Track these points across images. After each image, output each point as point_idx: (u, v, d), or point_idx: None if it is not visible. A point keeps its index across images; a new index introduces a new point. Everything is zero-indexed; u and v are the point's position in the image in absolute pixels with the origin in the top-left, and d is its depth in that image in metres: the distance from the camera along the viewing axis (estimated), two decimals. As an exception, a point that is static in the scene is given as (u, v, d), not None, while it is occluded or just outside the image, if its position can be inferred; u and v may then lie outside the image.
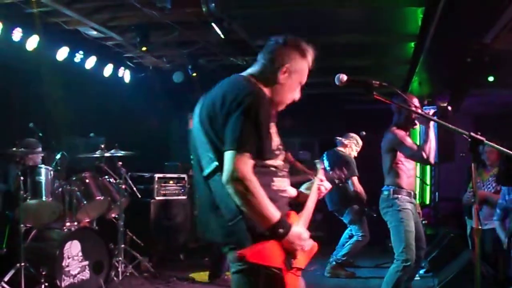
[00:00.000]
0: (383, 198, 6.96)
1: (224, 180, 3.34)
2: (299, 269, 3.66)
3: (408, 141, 6.71)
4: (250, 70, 3.82)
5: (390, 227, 6.85)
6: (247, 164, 3.35)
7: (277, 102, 3.80)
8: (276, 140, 3.66)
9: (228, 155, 3.35)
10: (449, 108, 7.03)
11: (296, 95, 3.86)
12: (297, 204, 4.03)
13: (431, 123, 6.52)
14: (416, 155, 6.65)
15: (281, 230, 3.42)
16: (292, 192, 4.01)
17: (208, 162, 3.54)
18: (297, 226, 3.58)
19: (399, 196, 6.76)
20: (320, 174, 4.34)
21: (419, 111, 6.22)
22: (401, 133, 6.77)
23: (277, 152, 3.67)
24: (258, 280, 3.41)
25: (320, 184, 4.25)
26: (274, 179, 3.62)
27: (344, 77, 3.92)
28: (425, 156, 6.51)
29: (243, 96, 3.43)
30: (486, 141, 3.79)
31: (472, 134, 3.81)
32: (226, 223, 3.43)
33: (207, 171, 3.54)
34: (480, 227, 3.75)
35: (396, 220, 6.73)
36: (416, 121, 6.90)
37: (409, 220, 6.71)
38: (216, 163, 3.47)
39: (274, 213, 3.40)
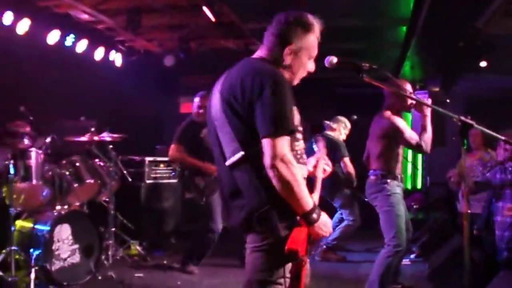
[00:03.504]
0: (370, 182, 6.91)
1: (268, 165, 3.36)
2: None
3: (408, 131, 6.60)
4: (259, 53, 3.82)
5: (379, 212, 6.81)
6: (287, 147, 3.40)
7: (288, 78, 3.77)
8: (297, 118, 3.66)
9: (267, 140, 3.37)
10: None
11: (309, 68, 3.87)
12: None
13: (428, 111, 6.46)
14: (415, 146, 6.58)
15: (314, 216, 3.49)
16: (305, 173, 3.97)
17: (232, 152, 3.53)
18: (324, 214, 3.62)
19: (388, 180, 6.71)
20: (323, 152, 4.32)
21: (413, 97, 6.22)
22: (399, 121, 6.67)
23: (299, 128, 3.70)
24: (284, 261, 3.49)
25: (325, 163, 4.24)
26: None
27: (334, 59, 3.91)
28: (424, 147, 6.47)
29: (263, 79, 3.44)
30: (476, 125, 3.79)
31: (462, 117, 3.80)
32: (252, 212, 3.47)
33: (232, 160, 3.54)
34: (468, 211, 3.75)
35: (386, 205, 6.68)
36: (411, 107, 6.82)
37: (399, 205, 6.69)
38: (242, 152, 3.49)
39: (309, 199, 3.47)
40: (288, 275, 3.54)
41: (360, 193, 9.83)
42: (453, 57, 10.61)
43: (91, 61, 10.97)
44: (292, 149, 3.55)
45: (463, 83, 12.53)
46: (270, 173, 3.36)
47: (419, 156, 13.93)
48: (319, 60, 3.91)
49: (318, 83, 12.86)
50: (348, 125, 10.32)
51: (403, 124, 6.66)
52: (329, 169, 4.25)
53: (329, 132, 10.12)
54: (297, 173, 3.39)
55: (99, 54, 11.12)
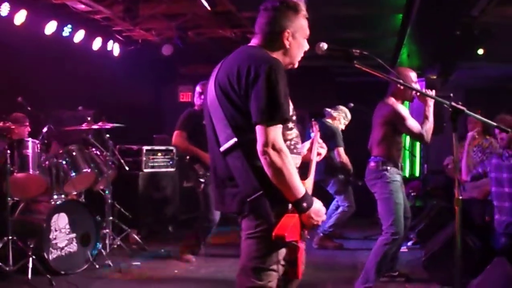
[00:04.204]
0: (370, 169, 6.86)
1: (260, 151, 3.38)
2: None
3: (410, 119, 6.58)
4: (255, 42, 3.82)
5: (378, 199, 6.79)
6: (279, 135, 3.43)
7: (289, 63, 3.83)
8: (291, 107, 3.66)
9: (260, 127, 3.40)
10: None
11: (304, 48, 3.88)
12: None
13: (432, 102, 6.48)
14: (417, 135, 6.58)
15: (304, 205, 3.51)
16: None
17: (225, 138, 3.56)
18: (317, 202, 3.64)
19: (388, 167, 6.68)
20: (317, 135, 4.34)
21: (416, 87, 6.23)
22: (402, 108, 6.67)
23: (293, 118, 3.71)
24: (276, 247, 3.54)
25: (319, 146, 4.27)
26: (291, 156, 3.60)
27: (324, 45, 3.92)
28: (425, 138, 6.50)
29: (260, 67, 3.44)
30: (467, 111, 3.80)
31: (453, 103, 3.82)
32: (245, 198, 3.50)
33: (225, 146, 3.56)
34: (460, 197, 3.76)
35: (385, 192, 6.66)
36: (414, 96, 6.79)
37: (398, 192, 6.67)
38: (235, 139, 3.50)
39: (301, 187, 3.49)
40: (282, 262, 3.58)
41: (355, 178, 9.85)
42: (450, 46, 10.60)
43: (89, 51, 10.99)
44: (285, 138, 3.58)
45: (461, 73, 12.52)
46: (262, 160, 3.39)
47: (417, 144, 13.93)
48: (313, 48, 3.93)
49: (318, 71, 12.90)
50: (349, 115, 10.31)
51: (405, 111, 6.65)
52: (323, 151, 4.28)
53: (328, 120, 10.12)
54: (289, 161, 3.41)
55: (96, 44, 11.14)
